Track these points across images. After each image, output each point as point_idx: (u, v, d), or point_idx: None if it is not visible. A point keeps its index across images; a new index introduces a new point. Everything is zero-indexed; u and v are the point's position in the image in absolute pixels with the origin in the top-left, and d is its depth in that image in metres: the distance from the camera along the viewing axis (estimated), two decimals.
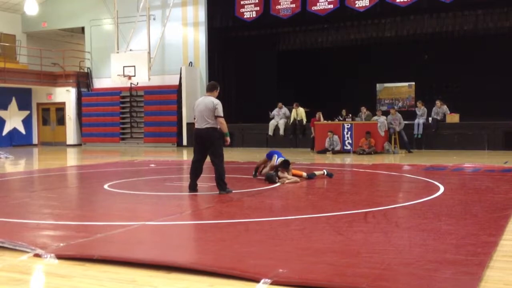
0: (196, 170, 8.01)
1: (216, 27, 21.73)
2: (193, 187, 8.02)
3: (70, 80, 24.20)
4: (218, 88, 8.08)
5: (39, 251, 4.44)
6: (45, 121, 25.15)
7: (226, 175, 7.89)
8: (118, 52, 21.68)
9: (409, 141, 16.74)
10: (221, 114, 7.79)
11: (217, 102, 7.82)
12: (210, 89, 8.04)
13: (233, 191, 7.89)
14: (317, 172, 9.79)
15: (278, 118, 19.48)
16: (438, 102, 17.80)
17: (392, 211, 6.30)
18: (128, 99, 23.28)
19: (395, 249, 4.42)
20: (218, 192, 7.78)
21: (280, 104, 19.66)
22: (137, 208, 6.92)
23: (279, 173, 9.10)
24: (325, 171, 9.91)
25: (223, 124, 7.81)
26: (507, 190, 7.92)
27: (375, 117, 17.26)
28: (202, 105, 7.86)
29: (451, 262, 4.01)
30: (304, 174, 9.52)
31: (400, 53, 22.87)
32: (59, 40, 26.11)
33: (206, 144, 7.82)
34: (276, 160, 9.40)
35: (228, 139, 7.95)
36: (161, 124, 22.26)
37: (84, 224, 5.76)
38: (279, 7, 20.11)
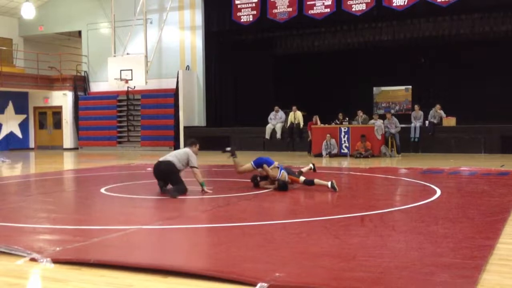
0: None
1: (213, 31, 21.75)
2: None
3: (67, 84, 24.17)
4: (198, 145, 8.55)
5: (35, 255, 4.42)
6: (41, 125, 25.10)
7: (224, 178, 7.89)
8: (115, 56, 21.66)
9: (401, 146, 16.76)
10: (195, 164, 8.22)
11: (192, 153, 8.30)
12: (189, 145, 8.54)
13: (178, 197, 7.83)
14: (316, 181, 8.62)
15: (275, 122, 19.50)
16: (438, 106, 17.81)
17: (389, 215, 6.30)
18: (125, 103, 23.27)
19: (392, 253, 4.42)
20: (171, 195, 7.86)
21: (276, 107, 19.71)
22: (134, 212, 6.91)
23: (261, 182, 8.85)
24: (330, 182, 8.38)
25: (197, 174, 8.19)
26: (504, 193, 7.92)
27: (372, 121, 17.28)
28: (180, 151, 8.48)
29: (448, 266, 4.01)
30: (301, 179, 8.70)
31: (397, 57, 22.91)
32: (56, 44, 26.09)
33: (166, 176, 8.21)
34: (280, 173, 8.60)
35: (205, 188, 8.19)
36: (158, 128, 22.26)
37: (80, 228, 5.74)
38: (275, 11, 20.14)
